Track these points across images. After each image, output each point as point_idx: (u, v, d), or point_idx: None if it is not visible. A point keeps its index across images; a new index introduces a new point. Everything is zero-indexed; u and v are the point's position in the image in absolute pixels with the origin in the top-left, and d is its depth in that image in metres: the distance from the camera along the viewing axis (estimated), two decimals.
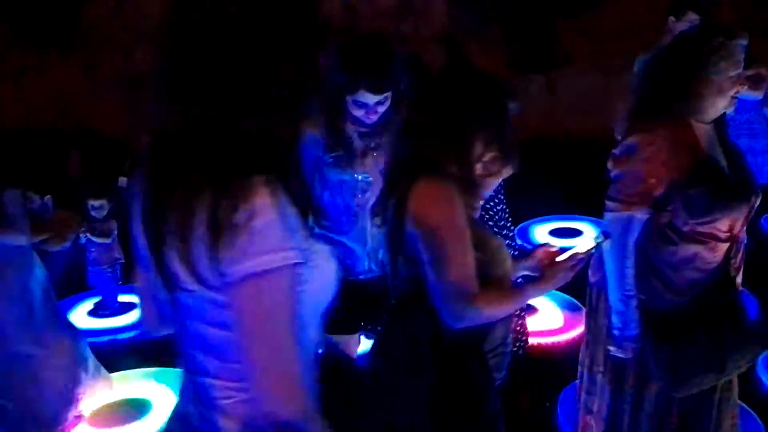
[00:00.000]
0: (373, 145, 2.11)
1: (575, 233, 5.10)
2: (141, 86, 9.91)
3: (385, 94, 2.00)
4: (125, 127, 8.53)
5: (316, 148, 2.08)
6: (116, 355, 3.54)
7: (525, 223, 5.27)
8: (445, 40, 7.96)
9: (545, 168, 6.34)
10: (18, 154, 7.45)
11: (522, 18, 6.60)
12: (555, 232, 5.14)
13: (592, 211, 5.44)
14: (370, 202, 2.04)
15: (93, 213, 4.00)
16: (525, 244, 4.94)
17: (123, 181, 5.85)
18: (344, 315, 2.01)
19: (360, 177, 2.11)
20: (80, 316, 4.01)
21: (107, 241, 3.99)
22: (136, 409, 2.99)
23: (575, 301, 3.91)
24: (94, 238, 3.98)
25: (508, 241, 2.89)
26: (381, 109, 2.03)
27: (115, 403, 3.04)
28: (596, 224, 5.26)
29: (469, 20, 8.63)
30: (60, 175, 5.59)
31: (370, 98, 1.99)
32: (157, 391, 3.12)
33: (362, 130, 2.10)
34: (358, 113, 2.03)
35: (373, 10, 9.07)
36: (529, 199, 4.86)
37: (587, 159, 6.70)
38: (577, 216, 5.38)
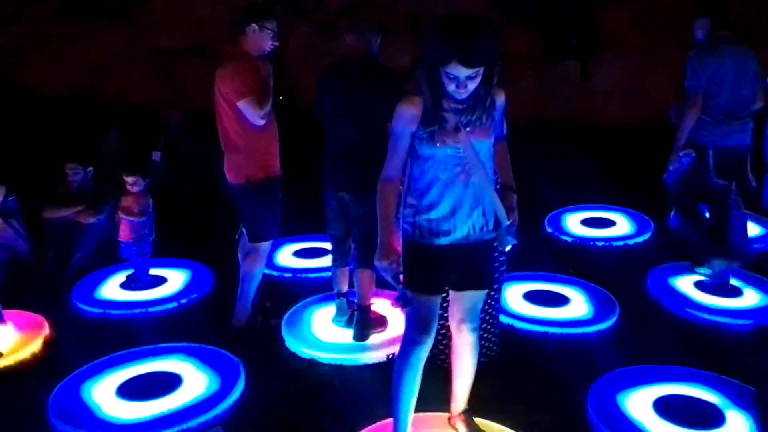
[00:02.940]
0: (465, 121, 2.17)
1: (607, 223, 5.01)
2: (177, 59, 10.02)
3: (476, 69, 2.05)
4: (160, 100, 8.64)
5: (411, 123, 2.18)
6: (147, 328, 3.61)
7: (557, 211, 5.18)
8: None
9: (579, 155, 6.24)
10: (57, 124, 7.60)
11: (561, 5, 6.42)
12: (587, 222, 5.05)
13: (626, 201, 5.36)
14: (462, 175, 2.18)
15: (128, 188, 4.04)
16: (556, 233, 4.87)
17: (156, 155, 5.91)
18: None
19: (450, 151, 2.17)
20: (112, 289, 4.08)
21: (141, 218, 4.00)
22: (165, 383, 3.02)
23: (606, 292, 3.84)
24: (125, 216, 4.00)
25: None
26: (471, 84, 2.09)
27: (144, 376, 3.10)
28: (629, 215, 5.15)
29: (507, 5, 8.45)
30: (96, 148, 5.65)
31: (462, 71, 2.03)
32: (187, 365, 3.16)
33: (455, 105, 2.16)
34: (450, 86, 2.09)
35: None
36: (562, 187, 4.78)
37: (623, 147, 6.53)
38: (610, 206, 5.28)
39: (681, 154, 3.72)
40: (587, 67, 8.60)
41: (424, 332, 2.37)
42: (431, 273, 2.32)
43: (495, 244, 2.37)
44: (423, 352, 2.39)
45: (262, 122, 3.23)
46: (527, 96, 8.05)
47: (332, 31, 8.61)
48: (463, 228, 2.26)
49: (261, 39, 3.24)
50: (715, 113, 3.65)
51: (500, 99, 2.25)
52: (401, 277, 2.28)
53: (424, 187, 2.24)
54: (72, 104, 8.80)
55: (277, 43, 3.34)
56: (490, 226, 2.31)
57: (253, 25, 3.21)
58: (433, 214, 2.25)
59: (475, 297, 2.45)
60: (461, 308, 2.45)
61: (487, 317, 3.11)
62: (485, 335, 3.10)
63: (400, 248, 2.30)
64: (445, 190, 2.22)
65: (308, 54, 8.51)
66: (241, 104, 3.18)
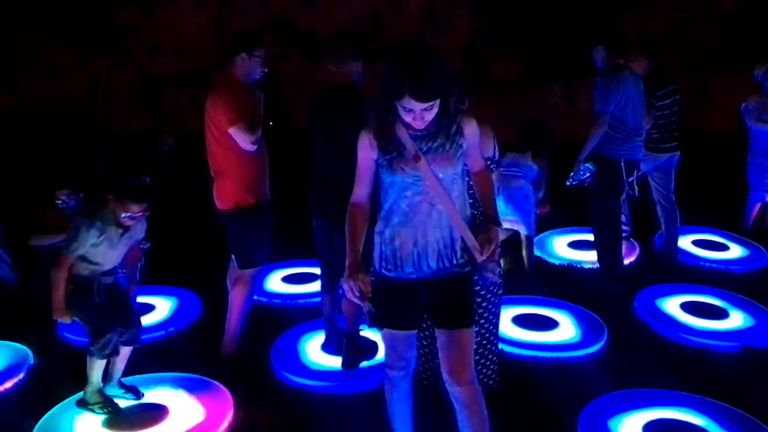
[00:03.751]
0: (425, 148, 2.16)
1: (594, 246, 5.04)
2: (166, 85, 10.07)
3: (431, 102, 2.05)
4: (149, 126, 8.67)
5: (371, 151, 2.20)
6: (134, 357, 3.55)
7: (543, 234, 5.21)
8: (467, 49, 7.90)
9: (563, 177, 6.29)
10: (46, 149, 7.58)
11: (543, 30, 6.57)
12: (574, 245, 5.09)
13: None
14: (424, 204, 2.17)
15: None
16: (543, 256, 4.90)
17: (145, 181, 5.87)
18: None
19: (411, 179, 2.16)
20: None
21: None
22: (153, 414, 2.99)
23: (595, 315, 3.86)
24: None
25: None
26: (428, 115, 2.09)
27: (132, 407, 3.06)
28: None
29: (492, 31, 8.61)
30: (86, 175, 5.63)
31: (416, 105, 2.04)
32: (174, 395, 3.13)
33: (414, 133, 2.16)
34: (407, 118, 2.10)
35: (397, 18, 9.10)
36: (549, 210, 4.81)
37: None
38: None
39: (581, 167, 4.24)
40: (571, 91, 8.75)
41: (397, 359, 2.34)
42: (398, 308, 2.28)
43: (476, 278, 2.29)
44: (399, 377, 2.37)
45: (253, 148, 3.25)
46: (512, 120, 8.17)
47: (323, 57, 8.73)
48: (431, 260, 2.21)
49: (250, 67, 3.28)
50: (625, 131, 4.11)
51: (469, 127, 2.21)
52: (368, 296, 2.19)
53: (388, 215, 2.24)
54: (61, 130, 8.79)
55: (266, 70, 3.38)
56: (461, 259, 2.23)
57: (243, 53, 3.25)
58: (397, 243, 2.22)
59: (460, 343, 2.26)
60: (448, 360, 2.28)
61: (486, 344, 3.09)
62: (483, 361, 3.09)
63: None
64: (407, 218, 2.20)
65: (299, 79, 8.59)
66: (233, 131, 3.20)
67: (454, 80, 2.11)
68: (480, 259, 2.19)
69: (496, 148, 3.09)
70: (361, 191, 2.27)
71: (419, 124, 2.11)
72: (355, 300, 2.19)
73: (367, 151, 2.21)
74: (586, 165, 4.22)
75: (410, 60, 2.02)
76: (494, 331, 3.11)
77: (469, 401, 2.28)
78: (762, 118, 4.90)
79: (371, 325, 2.31)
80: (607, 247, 4.34)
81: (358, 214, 2.27)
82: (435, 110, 2.09)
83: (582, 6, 8.14)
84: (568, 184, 4.38)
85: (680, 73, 8.56)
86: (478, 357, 3.03)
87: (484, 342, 3.07)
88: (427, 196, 2.17)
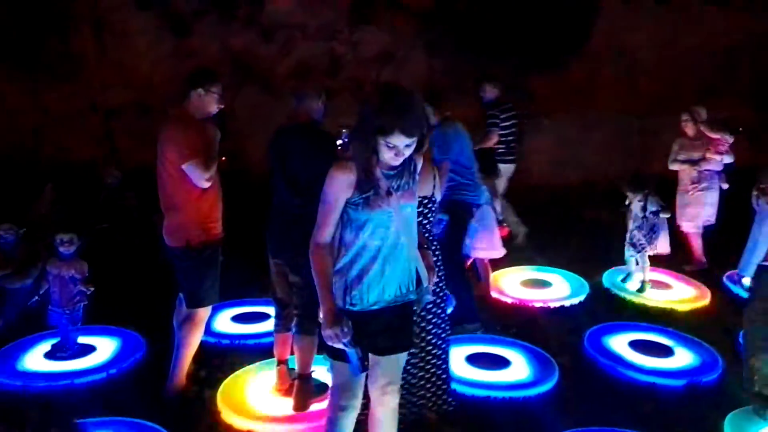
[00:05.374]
0: (395, 185, 2.28)
1: (544, 285, 5.13)
2: (117, 118, 9.84)
3: (415, 138, 2.18)
4: (100, 158, 8.45)
5: (347, 190, 2.24)
6: (73, 401, 3.38)
7: (496, 272, 5.26)
8: (424, 88, 8.06)
9: (516, 216, 6.43)
10: None
11: (497, 71, 6.83)
12: (525, 283, 5.16)
13: (562, 261, 5.53)
14: (391, 239, 2.29)
15: (61, 249, 3.84)
16: (496, 294, 4.94)
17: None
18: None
19: (384, 215, 2.26)
20: (36, 359, 3.82)
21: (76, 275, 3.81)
22: None
23: (546, 354, 3.90)
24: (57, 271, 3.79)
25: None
26: (408, 151, 2.21)
27: None
28: (565, 277, 5.29)
29: (447, 71, 8.85)
30: (30, 208, 5.41)
31: (402, 141, 2.15)
32: None
33: (387, 171, 2.27)
34: (388, 155, 2.20)
35: (355, 57, 9.24)
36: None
37: (557, 208, 6.79)
38: (545, 267, 5.44)
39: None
40: (523, 129, 9.04)
41: (352, 397, 2.38)
42: (358, 340, 2.30)
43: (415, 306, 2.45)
44: (350, 418, 2.40)
45: (207, 185, 3.20)
46: None
47: (278, 93, 8.73)
48: (391, 290, 2.33)
49: (206, 103, 3.26)
50: (474, 178, 4.36)
51: (420, 163, 2.40)
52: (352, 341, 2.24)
53: (358, 252, 2.29)
54: (8, 162, 8.46)
55: (222, 106, 3.36)
56: (413, 286, 2.40)
57: (199, 89, 3.23)
58: (366, 278, 2.29)
59: (400, 363, 2.48)
60: (387, 372, 2.42)
61: (437, 371, 3.17)
62: (439, 385, 3.15)
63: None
64: (379, 252, 2.29)
65: (253, 115, 8.56)
66: (186, 167, 3.14)
67: (427, 119, 2.26)
68: (428, 283, 2.41)
69: (437, 188, 3.18)
70: (328, 231, 2.29)
71: (398, 160, 2.22)
72: (341, 346, 2.22)
73: (341, 190, 2.23)
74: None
75: (399, 98, 2.17)
76: (440, 354, 3.21)
77: (396, 408, 2.47)
78: (678, 158, 5.54)
79: (363, 371, 2.28)
80: (464, 289, 4.28)
81: (326, 256, 2.30)
82: (413, 147, 2.21)
83: (535, 51, 8.47)
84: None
85: (628, 115, 9.04)
86: (430, 385, 3.16)
87: (434, 367, 3.17)
88: (396, 230, 2.29)
